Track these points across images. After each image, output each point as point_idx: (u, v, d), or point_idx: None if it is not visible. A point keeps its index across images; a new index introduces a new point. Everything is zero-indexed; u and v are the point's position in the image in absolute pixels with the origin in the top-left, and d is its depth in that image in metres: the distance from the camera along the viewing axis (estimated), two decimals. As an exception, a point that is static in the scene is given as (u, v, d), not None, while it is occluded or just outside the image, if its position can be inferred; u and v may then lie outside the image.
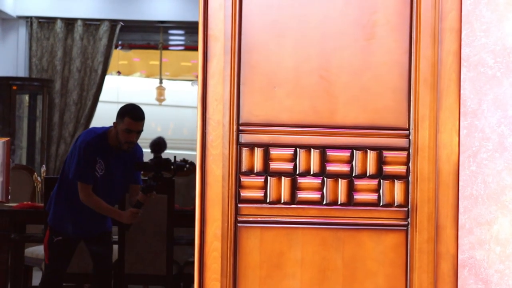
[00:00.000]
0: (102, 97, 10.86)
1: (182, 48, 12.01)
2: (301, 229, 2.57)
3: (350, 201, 2.58)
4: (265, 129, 2.59)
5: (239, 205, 2.57)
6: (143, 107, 5.75)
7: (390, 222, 2.56)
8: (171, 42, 11.74)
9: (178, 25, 11.18)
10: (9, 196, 2.42)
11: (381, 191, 2.57)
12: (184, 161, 8.74)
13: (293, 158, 2.59)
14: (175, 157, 6.05)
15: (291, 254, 2.57)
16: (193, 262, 6.71)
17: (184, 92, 12.46)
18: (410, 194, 2.57)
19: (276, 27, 2.60)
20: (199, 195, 2.54)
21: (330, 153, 2.59)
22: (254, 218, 2.57)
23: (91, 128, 5.93)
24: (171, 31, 11.43)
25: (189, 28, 11.32)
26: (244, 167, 2.58)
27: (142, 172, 6.13)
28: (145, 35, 11.43)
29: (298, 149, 2.59)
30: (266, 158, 2.58)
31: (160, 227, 6.01)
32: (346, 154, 2.59)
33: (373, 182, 2.58)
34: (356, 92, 2.59)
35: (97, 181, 5.61)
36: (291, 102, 2.59)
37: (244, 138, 2.58)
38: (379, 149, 2.57)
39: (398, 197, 2.57)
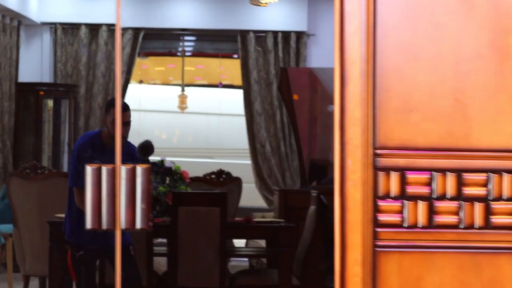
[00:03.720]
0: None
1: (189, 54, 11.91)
2: (439, 253, 2.56)
3: (487, 225, 2.57)
4: (401, 153, 2.57)
5: (376, 229, 2.56)
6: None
7: (527, 245, 2.55)
8: (180, 49, 11.68)
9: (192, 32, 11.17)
10: (151, 223, 2.40)
11: (516, 214, 2.56)
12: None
13: (429, 182, 2.57)
14: (162, 160, 6.06)
15: (429, 278, 2.56)
16: (243, 272, 6.72)
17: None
18: (545, 217, 2.56)
19: (410, 51, 2.59)
20: (339, 220, 2.53)
21: (466, 176, 2.58)
22: (392, 243, 2.56)
23: (86, 133, 5.93)
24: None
25: (200, 35, 11.31)
26: (380, 191, 2.56)
27: None
28: (167, 42, 11.42)
29: (433, 172, 2.58)
30: (403, 182, 2.57)
31: (213, 239, 5.98)
32: (482, 177, 2.58)
33: (510, 206, 2.57)
34: (491, 115, 2.58)
35: None
36: (426, 125, 2.58)
37: (380, 162, 2.57)
38: (514, 172, 2.57)
39: (535, 220, 2.56)
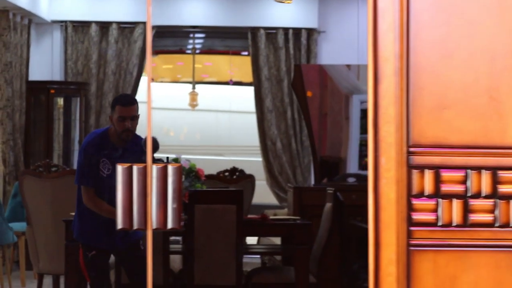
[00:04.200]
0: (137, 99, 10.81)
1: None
2: (474, 252, 2.54)
3: (523, 223, 2.55)
4: (435, 151, 2.55)
5: (410, 228, 2.53)
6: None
7: None
8: (190, 46, 11.64)
9: (202, 29, 11.14)
10: (182, 222, 2.36)
11: (552, 212, 2.54)
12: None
13: (464, 180, 2.55)
14: (167, 157, 6.02)
15: (464, 277, 2.53)
16: (258, 270, 6.70)
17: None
18: None
19: (444, 47, 2.56)
20: (372, 218, 2.50)
21: (501, 174, 2.55)
22: (426, 242, 2.53)
23: (93, 131, 5.86)
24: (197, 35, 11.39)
25: (210, 32, 11.28)
26: (414, 190, 2.54)
27: None
28: (177, 40, 11.39)
29: (468, 170, 2.55)
30: (437, 180, 2.54)
31: (229, 237, 5.96)
32: (517, 175, 2.55)
33: (546, 204, 2.54)
34: (526, 112, 2.55)
35: (103, 181, 5.42)
36: (460, 123, 2.55)
37: (414, 160, 2.54)
38: (549, 170, 2.54)
39: None
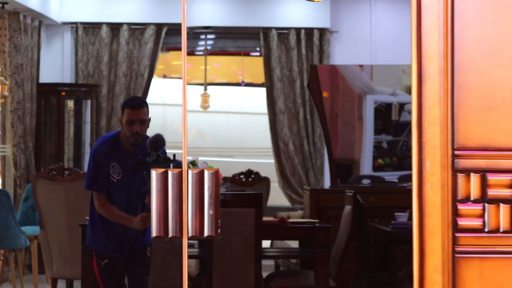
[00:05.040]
0: (148, 100, 10.72)
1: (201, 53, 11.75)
2: (523, 259, 2.44)
3: None
4: (481, 154, 2.45)
5: (456, 234, 2.43)
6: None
7: None
8: (199, 48, 11.54)
9: (213, 30, 11.04)
10: (219, 230, 2.26)
11: None
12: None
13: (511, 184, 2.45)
14: (174, 155, 5.87)
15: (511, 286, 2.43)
16: (276, 274, 6.60)
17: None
18: None
19: (491, 45, 2.45)
20: (417, 225, 2.40)
21: (550, 178, 2.45)
22: (472, 248, 2.43)
23: (104, 135, 5.70)
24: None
25: (222, 33, 11.19)
26: (460, 194, 2.44)
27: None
28: (188, 41, 11.28)
29: (516, 174, 2.45)
30: (483, 184, 2.44)
31: (248, 240, 5.86)
32: None
33: None
34: None
35: (113, 186, 5.26)
36: (508, 124, 2.45)
37: (460, 163, 2.44)
38: None
39: None
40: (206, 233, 2.04)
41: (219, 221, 1.92)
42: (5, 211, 8.15)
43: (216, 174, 1.98)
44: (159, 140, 5.02)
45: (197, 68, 12.81)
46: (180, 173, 1.96)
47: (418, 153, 2.42)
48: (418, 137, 2.42)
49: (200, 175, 1.95)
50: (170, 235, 2.03)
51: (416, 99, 2.42)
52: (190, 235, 2.05)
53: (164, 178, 1.97)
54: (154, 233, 2.05)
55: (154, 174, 1.97)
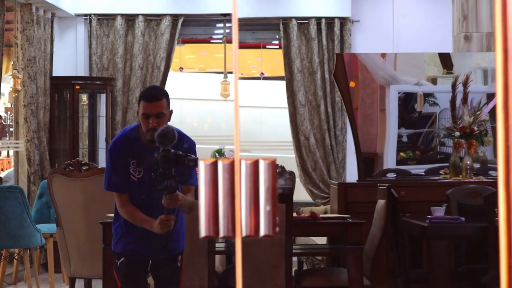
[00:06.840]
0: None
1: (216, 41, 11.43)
2: None
3: None
4: None
5: (548, 231, 2.13)
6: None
7: None
8: (214, 36, 11.24)
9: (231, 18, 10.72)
10: (277, 228, 1.89)
11: None
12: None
13: None
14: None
15: None
16: (307, 272, 6.31)
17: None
18: None
19: None
20: (505, 221, 2.09)
21: None
22: None
23: (122, 129, 5.17)
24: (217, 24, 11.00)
25: (240, 24, 10.87)
26: (552, 186, 2.13)
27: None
28: (207, 29, 11.00)
29: None
30: None
31: (278, 237, 5.57)
32: None
33: None
34: None
35: (134, 185, 4.73)
36: None
37: (551, 150, 2.13)
38: None
39: None
40: (262, 233, 1.72)
41: (277, 218, 1.57)
42: (19, 209, 7.88)
43: (273, 165, 1.64)
44: (166, 134, 4.37)
45: (212, 56, 12.52)
46: (232, 164, 1.61)
47: (505, 139, 2.11)
48: (505, 121, 2.11)
49: (255, 166, 1.61)
50: (221, 235, 1.70)
51: (502, 78, 2.11)
52: (244, 235, 1.72)
53: (214, 170, 1.63)
54: (202, 233, 1.71)
55: (203, 165, 1.63)
